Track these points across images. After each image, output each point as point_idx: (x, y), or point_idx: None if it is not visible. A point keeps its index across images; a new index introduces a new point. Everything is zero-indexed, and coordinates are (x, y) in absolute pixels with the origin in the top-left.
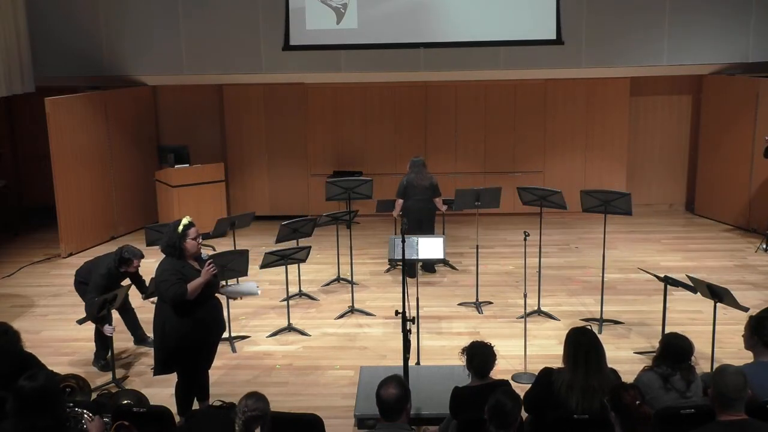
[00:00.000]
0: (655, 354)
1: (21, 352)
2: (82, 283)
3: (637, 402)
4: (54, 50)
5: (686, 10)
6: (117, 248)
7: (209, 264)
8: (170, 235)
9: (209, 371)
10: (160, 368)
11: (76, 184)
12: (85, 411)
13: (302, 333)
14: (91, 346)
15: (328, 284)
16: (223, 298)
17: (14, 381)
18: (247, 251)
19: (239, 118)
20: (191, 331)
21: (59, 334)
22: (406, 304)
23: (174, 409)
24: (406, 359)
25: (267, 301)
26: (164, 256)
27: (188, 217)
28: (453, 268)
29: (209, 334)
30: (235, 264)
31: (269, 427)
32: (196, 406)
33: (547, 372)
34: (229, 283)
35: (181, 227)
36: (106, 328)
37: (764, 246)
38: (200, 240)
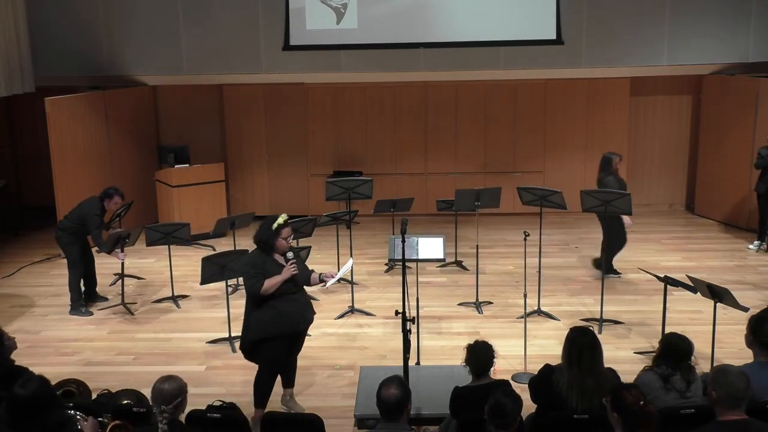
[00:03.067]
0: (655, 354)
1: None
2: (62, 230)
3: (641, 402)
4: (54, 50)
5: (686, 10)
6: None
7: (291, 263)
8: (265, 231)
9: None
10: (247, 355)
11: (75, 184)
12: (78, 413)
13: None
14: (91, 345)
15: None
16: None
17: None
18: (247, 251)
19: (239, 118)
20: (270, 323)
21: (59, 334)
22: (406, 304)
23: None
24: (406, 359)
25: None
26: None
27: (284, 215)
28: (464, 269)
29: (291, 326)
30: (235, 264)
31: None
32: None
33: (549, 369)
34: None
35: (275, 225)
36: (119, 255)
37: (764, 246)
38: (290, 241)
